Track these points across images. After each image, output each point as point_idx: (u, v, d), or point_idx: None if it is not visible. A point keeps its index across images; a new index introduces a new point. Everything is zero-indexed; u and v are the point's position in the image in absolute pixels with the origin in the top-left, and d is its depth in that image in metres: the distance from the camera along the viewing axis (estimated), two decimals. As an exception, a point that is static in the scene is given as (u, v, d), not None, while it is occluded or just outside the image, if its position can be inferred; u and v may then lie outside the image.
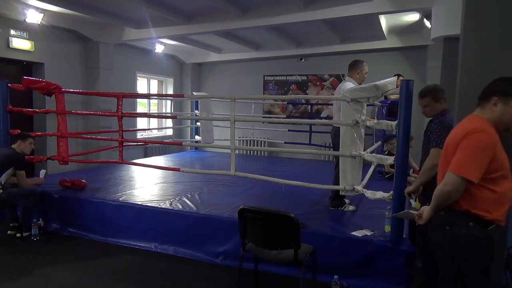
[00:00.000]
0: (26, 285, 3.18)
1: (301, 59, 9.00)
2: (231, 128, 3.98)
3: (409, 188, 2.93)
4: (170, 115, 9.24)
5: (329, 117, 8.47)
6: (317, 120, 8.20)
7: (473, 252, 1.92)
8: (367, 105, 3.87)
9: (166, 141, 6.56)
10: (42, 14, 5.84)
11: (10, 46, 5.83)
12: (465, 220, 1.93)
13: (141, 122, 8.80)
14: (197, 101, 8.32)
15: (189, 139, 9.45)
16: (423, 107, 2.90)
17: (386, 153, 5.60)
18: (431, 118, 2.91)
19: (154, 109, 9.60)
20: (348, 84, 3.80)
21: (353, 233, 3.30)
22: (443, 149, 2.12)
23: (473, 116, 2.03)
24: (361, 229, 3.36)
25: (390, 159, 3.39)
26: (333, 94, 6.74)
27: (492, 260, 2.01)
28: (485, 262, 1.95)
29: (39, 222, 4.19)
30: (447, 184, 1.91)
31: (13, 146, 4.18)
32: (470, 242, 1.92)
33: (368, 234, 3.28)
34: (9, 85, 4.83)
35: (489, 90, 1.98)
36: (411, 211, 2.27)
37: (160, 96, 9.57)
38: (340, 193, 3.74)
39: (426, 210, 2.07)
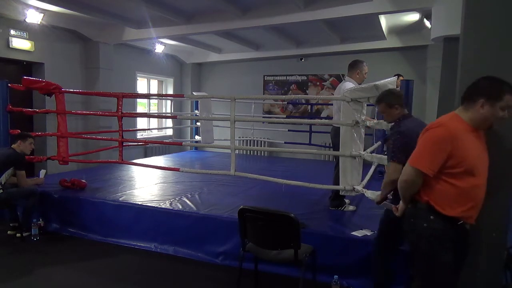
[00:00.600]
0: (26, 285, 3.18)
1: (301, 59, 9.00)
2: (231, 128, 3.98)
3: (377, 199, 2.68)
4: (170, 115, 9.24)
5: (329, 117, 8.46)
6: (317, 120, 8.21)
7: (435, 245, 1.97)
8: (367, 105, 3.88)
9: (166, 141, 6.57)
10: (42, 14, 5.84)
11: (10, 46, 5.83)
12: (427, 213, 1.99)
13: (141, 122, 8.80)
14: (197, 101, 8.32)
15: (189, 139, 9.45)
16: (381, 113, 2.80)
17: (386, 153, 5.60)
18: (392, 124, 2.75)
19: (154, 109, 9.60)
20: (348, 84, 3.80)
21: (353, 233, 3.30)
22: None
23: (449, 114, 2.05)
24: (361, 229, 3.36)
25: (390, 159, 3.38)
26: (333, 94, 6.75)
27: (461, 256, 2.07)
28: (450, 257, 1.98)
29: (39, 222, 4.19)
30: (403, 174, 2.03)
31: (13, 146, 4.18)
32: (431, 235, 1.98)
33: (368, 234, 3.28)
34: (9, 85, 4.83)
35: (475, 91, 1.95)
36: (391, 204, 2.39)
37: (160, 96, 9.57)
38: (340, 193, 3.74)
39: (400, 203, 2.18)
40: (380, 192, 2.61)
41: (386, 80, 3.32)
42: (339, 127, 3.67)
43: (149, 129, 9.04)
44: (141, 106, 9.22)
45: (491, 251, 2.36)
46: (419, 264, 2.06)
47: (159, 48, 8.28)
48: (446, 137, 1.89)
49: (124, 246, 4.00)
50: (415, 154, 1.99)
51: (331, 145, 4.46)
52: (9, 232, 4.19)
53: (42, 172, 4.59)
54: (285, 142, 7.95)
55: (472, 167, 1.92)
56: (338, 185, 3.60)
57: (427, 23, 6.14)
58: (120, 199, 4.27)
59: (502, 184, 2.14)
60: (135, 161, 6.44)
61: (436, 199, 1.96)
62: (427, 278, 2.02)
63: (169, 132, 9.61)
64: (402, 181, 2.03)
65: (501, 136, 2.17)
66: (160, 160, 7.47)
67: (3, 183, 3.92)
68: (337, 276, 2.99)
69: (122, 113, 4.51)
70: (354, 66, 3.97)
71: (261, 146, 9.07)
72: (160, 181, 5.31)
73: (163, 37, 7.40)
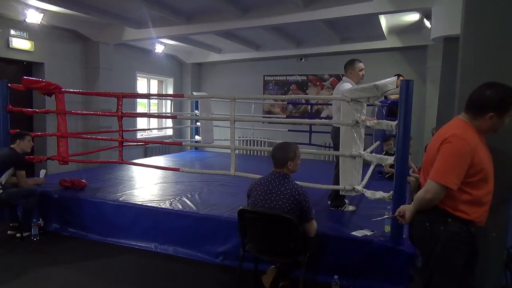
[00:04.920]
0: (26, 285, 3.18)
1: (301, 59, 9.00)
2: (231, 128, 3.98)
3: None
4: (170, 115, 9.23)
5: (329, 117, 8.45)
6: (317, 120, 8.16)
7: (451, 249, 1.97)
8: (367, 105, 3.87)
9: (166, 141, 6.56)
10: (42, 14, 5.84)
11: (10, 46, 5.83)
12: (445, 217, 1.98)
13: (141, 122, 8.80)
14: (197, 101, 8.32)
15: (189, 139, 9.45)
16: None
17: (384, 153, 5.59)
18: None
19: (154, 109, 9.60)
20: (346, 85, 3.81)
21: (353, 233, 3.30)
22: (425, 153, 2.13)
23: (457, 120, 2.05)
24: (361, 229, 3.35)
25: (390, 159, 3.38)
26: (332, 94, 6.75)
27: (474, 259, 2.05)
28: (463, 259, 1.98)
29: (39, 222, 4.19)
30: (428, 192, 1.97)
31: (12, 146, 4.17)
32: (448, 238, 1.97)
33: (368, 234, 3.27)
34: (9, 85, 4.82)
35: (483, 105, 1.94)
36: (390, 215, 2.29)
37: (160, 96, 9.57)
38: (340, 193, 3.74)
39: (408, 211, 2.10)
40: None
41: (386, 80, 3.32)
42: (339, 127, 3.67)
43: (149, 129, 9.04)
44: (141, 106, 9.22)
45: (491, 251, 2.36)
46: (433, 268, 2.02)
47: (159, 48, 8.28)
48: (468, 151, 1.89)
49: (124, 246, 4.00)
50: (438, 170, 1.94)
51: (331, 145, 4.46)
52: (9, 232, 4.19)
53: (42, 172, 4.58)
54: (285, 142, 7.93)
55: (487, 174, 1.94)
56: (338, 185, 3.59)
57: (427, 23, 6.14)
58: (120, 199, 4.27)
59: (502, 184, 2.14)
60: (135, 161, 6.43)
61: (454, 207, 1.96)
62: (442, 281, 2.01)
63: (169, 132, 9.60)
64: (427, 199, 1.98)
65: (500, 136, 2.16)
66: (160, 160, 7.46)
67: (3, 183, 3.91)
68: (337, 276, 2.99)
69: (122, 113, 4.51)
70: (347, 66, 4.03)
71: (261, 146, 9.06)
72: (160, 181, 5.31)
73: (163, 37, 7.40)
